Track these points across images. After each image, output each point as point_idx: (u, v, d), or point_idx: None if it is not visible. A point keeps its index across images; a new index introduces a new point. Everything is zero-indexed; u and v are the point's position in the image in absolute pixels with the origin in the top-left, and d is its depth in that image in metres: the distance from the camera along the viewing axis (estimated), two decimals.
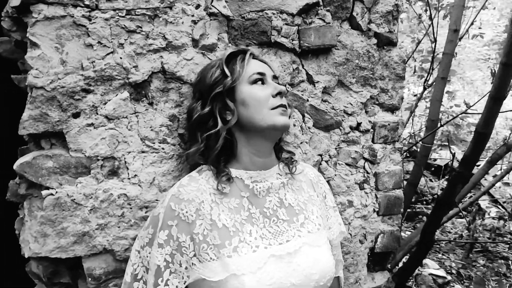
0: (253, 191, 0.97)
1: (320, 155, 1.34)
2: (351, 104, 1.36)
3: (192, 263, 0.88)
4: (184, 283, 0.89)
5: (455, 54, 2.62)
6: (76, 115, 1.02)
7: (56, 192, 1.03)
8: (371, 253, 1.49)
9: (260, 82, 0.96)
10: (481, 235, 4.59)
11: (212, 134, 0.93)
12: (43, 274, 1.16)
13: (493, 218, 5.23)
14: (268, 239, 0.93)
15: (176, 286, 0.88)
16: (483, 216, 5.08)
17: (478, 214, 4.66)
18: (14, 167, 1.00)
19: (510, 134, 2.83)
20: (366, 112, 1.41)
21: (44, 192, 1.02)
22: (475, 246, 4.29)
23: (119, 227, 1.09)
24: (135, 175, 1.09)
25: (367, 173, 1.42)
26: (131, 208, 1.10)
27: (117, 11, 1.01)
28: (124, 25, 1.02)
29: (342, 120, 1.35)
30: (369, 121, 1.40)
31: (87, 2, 0.98)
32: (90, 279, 1.08)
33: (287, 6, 1.20)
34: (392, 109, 1.46)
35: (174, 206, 0.90)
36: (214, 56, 1.14)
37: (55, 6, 0.96)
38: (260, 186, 0.98)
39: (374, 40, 1.37)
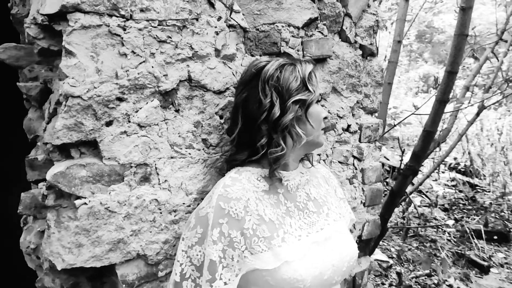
0: (287, 188, 1.07)
1: (319, 154, 1.48)
2: (342, 108, 1.53)
3: (244, 256, 0.95)
4: (236, 276, 0.96)
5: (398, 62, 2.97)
6: (108, 124, 1.03)
7: (90, 201, 1.02)
8: (359, 241, 1.67)
9: (318, 102, 1.07)
10: (411, 222, 5.17)
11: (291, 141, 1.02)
12: (62, 287, 1.13)
13: (419, 206, 5.92)
14: (306, 229, 1.04)
15: (228, 279, 0.95)
16: (410, 205, 5.71)
17: (409, 203, 5.23)
18: (48, 177, 0.98)
19: (441, 131, 3.28)
20: (353, 115, 1.58)
21: (77, 202, 1.01)
22: (409, 232, 4.82)
23: (151, 232, 1.11)
24: (165, 180, 1.12)
25: (356, 169, 1.60)
26: (161, 213, 1.12)
27: (150, 22, 1.04)
28: (156, 35, 1.06)
29: (336, 122, 1.51)
30: (356, 123, 1.58)
31: (122, 12, 1.00)
32: (124, 285, 1.08)
33: (294, 20, 1.32)
34: (372, 112, 1.66)
35: (223, 205, 0.96)
36: (233, 65, 1.21)
37: (91, 15, 0.96)
38: (291, 183, 1.08)
39: (360, 51, 1.55)
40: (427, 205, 5.57)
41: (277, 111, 0.97)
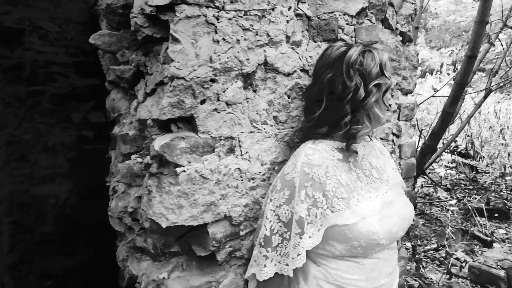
0: (355, 158, 1.24)
1: None
2: None
3: (326, 214, 1.12)
4: (318, 231, 1.13)
5: None
6: (203, 102, 1.18)
7: (187, 169, 1.18)
8: None
9: None
10: (416, 201, 5.41)
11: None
12: (154, 245, 1.30)
13: (422, 186, 6.18)
14: (374, 192, 1.21)
15: (312, 233, 1.12)
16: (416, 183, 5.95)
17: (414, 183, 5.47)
18: (156, 147, 1.13)
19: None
20: (392, 96, 1.75)
21: (178, 169, 1.17)
22: (415, 210, 5.06)
23: (234, 196, 1.28)
24: (246, 152, 1.28)
25: (394, 145, 1.77)
26: (242, 180, 1.29)
27: (237, 12, 1.19)
28: (242, 24, 1.20)
29: None
30: (396, 103, 1.75)
31: (217, 4, 1.14)
32: (214, 242, 1.25)
33: (349, 8, 1.47)
34: (408, 93, 1.83)
35: (307, 171, 1.13)
36: (300, 50, 1.36)
37: (193, 6, 1.10)
38: (359, 153, 1.25)
39: (400, 38, 1.70)
40: (430, 185, 5.80)
41: (362, 93, 1.12)
